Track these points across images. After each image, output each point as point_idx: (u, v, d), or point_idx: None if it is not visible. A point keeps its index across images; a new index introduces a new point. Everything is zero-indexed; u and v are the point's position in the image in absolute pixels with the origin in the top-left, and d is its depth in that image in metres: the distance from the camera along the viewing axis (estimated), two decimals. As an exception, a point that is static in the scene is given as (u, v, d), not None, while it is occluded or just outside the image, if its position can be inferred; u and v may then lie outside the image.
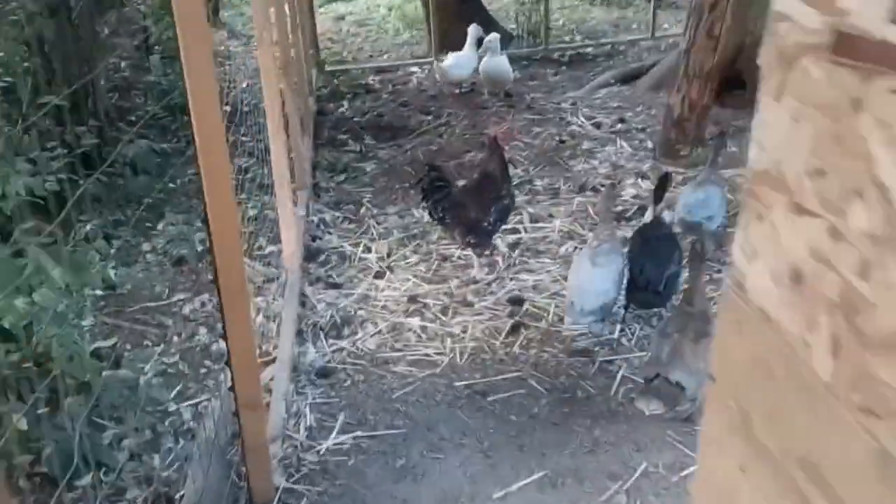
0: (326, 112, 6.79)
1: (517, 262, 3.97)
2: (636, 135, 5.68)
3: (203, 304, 3.59)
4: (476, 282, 3.73)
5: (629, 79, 7.01)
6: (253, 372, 2.23)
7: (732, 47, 5.15)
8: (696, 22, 4.96)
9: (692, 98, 5.11)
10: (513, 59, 8.28)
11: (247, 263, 3.87)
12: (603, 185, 4.81)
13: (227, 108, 3.49)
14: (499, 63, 6.76)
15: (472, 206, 3.61)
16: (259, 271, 3.77)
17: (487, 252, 3.82)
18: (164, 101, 6.21)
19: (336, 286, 3.78)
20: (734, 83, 5.55)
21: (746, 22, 5.57)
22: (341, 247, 4.21)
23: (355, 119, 6.54)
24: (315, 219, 4.55)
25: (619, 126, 5.88)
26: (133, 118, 6.10)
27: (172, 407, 2.80)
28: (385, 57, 8.94)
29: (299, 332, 3.30)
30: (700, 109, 5.15)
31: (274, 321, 3.34)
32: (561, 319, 3.37)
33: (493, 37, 6.82)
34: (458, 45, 8.52)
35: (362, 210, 4.77)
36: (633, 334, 3.26)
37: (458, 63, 6.94)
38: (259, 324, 3.37)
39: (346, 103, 6.99)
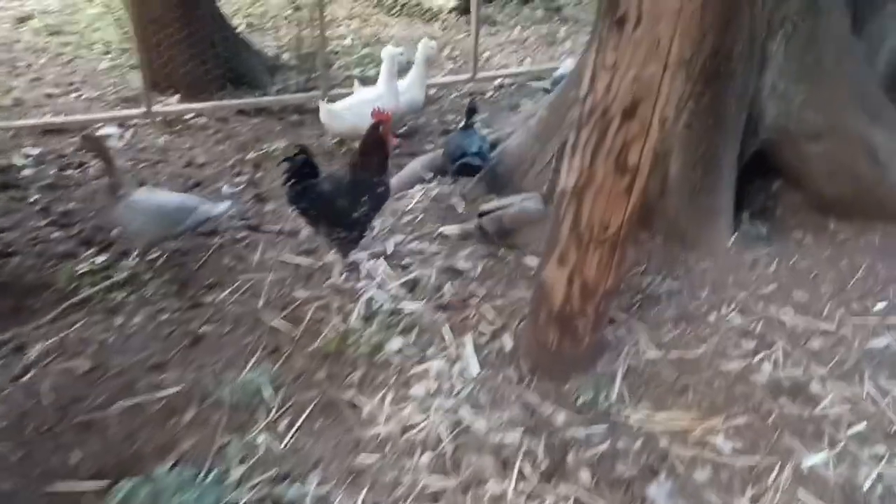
0: None
1: None
2: (483, 320, 3.14)
3: None
4: None
5: (452, 170, 4.48)
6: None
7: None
8: (592, 141, 2.50)
9: (587, 277, 2.67)
10: (270, 112, 5.47)
11: None
12: None
13: None
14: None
15: (338, 195, 3.23)
16: None
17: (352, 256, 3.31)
18: None
19: None
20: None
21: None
22: None
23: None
24: None
25: (450, 287, 3.32)
26: None
27: None
28: (73, 98, 5.63)
29: None
30: (602, 297, 2.74)
31: None
32: None
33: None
34: (187, 83, 5.55)
35: None
36: None
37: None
38: None
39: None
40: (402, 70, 4.97)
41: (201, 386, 2.72)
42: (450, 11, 8.67)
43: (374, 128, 3.25)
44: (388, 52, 4.68)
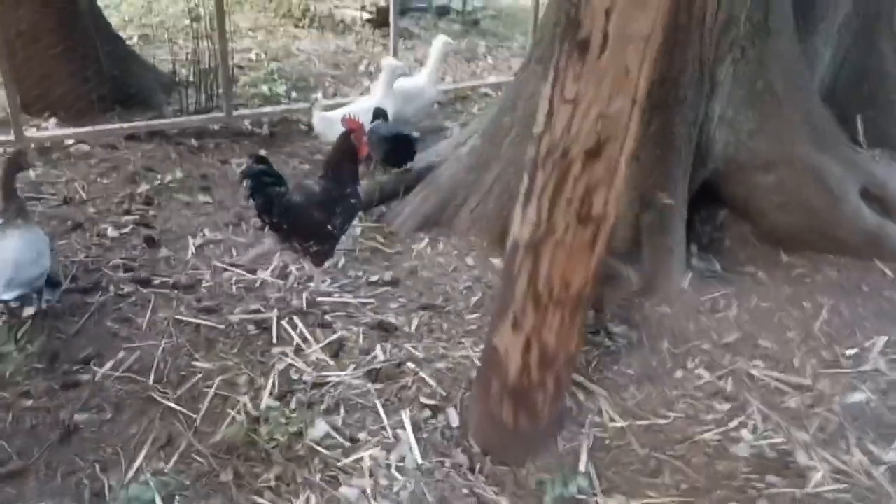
0: None
1: None
2: (422, 389, 2.69)
3: None
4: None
5: (377, 201, 4.02)
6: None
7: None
8: (550, 187, 2.10)
9: (546, 343, 2.27)
10: (166, 137, 4.85)
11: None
12: None
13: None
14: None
15: (312, 207, 3.02)
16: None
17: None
18: None
19: None
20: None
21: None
22: None
23: None
24: None
25: (382, 349, 2.86)
26: None
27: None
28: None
29: None
30: (563, 365, 2.34)
31: None
32: None
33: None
34: (66, 104, 4.84)
35: None
36: None
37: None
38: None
39: None
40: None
41: (70, 501, 2.14)
42: (363, 24, 8.21)
43: (346, 136, 3.12)
44: (388, 63, 4.64)
